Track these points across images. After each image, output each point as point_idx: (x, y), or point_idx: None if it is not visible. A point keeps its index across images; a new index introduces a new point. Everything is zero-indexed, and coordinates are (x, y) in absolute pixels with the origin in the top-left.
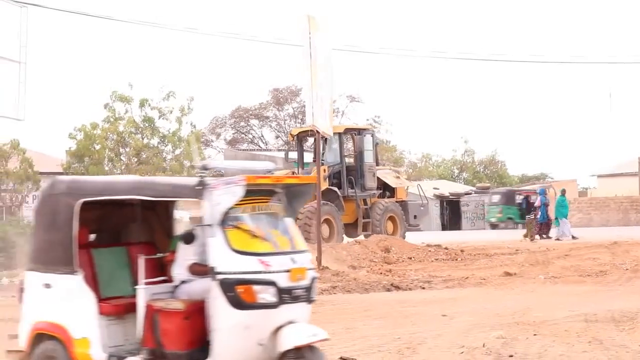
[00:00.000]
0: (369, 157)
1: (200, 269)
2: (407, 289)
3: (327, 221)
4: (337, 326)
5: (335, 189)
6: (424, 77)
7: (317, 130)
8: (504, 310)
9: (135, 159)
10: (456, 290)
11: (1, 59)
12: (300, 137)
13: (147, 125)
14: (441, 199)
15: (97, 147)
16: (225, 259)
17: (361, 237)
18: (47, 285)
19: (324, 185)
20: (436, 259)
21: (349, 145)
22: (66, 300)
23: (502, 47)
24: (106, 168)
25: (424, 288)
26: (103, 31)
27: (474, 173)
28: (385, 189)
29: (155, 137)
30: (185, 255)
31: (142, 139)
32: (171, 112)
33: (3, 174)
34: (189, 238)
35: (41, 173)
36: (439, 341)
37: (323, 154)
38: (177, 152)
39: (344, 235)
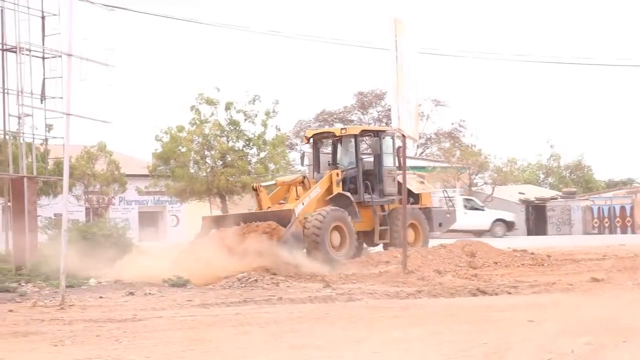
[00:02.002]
0: (388, 161)
1: None
2: (493, 294)
3: (337, 228)
4: (423, 330)
5: (348, 194)
6: (510, 80)
7: (402, 134)
8: (592, 316)
9: (220, 162)
10: (543, 295)
11: (89, 62)
12: (316, 140)
13: (232, 128)
14: (527, 203)
15: (183, 149)
16: None
17: (435, 241)
18: None
19: (337, 190)
20: (522, 264)
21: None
22: None
23: (589, 50)
24: (191, 170)
25: (510, 293)
26: (189, 34)
27: (559, 178)
28: (409, 196)
29: (240, 140)
30: None
31: (227, 141)
32: (256, 115)
33: (90, 176)
34: None
35: (127, 175)
36: (526, 346)
37: (340, 157)
38: (262, 155)
39: (364, 244)
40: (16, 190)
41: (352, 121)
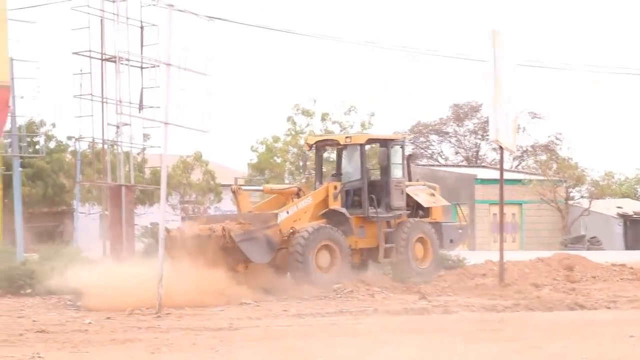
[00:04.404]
0: (397, 172)
1: None
2: (592, 308)
3: (326, 247)
4: (522, 344)
5: (343, 210)
6: (607, 93)
7: (500, 145)
8: None
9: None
10: None
11: (188, 71)
12: (319, 147)
13: None
14: (624, 218)
15: (278, 160)
16: None
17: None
18: None
19: (333, 204)
20: (621, 279)
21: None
22: None
23: None
24: (286, 181)
25: (609, 308)
26: (286, 45)
27: None
28: (418, 208)
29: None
30: None
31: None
32: (352, 126)
33: (186, 185)
34: None
35: (223, 185)
36: None
37: (344, 167)
38: None
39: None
40: (114, 199)
41: (447, 133)
